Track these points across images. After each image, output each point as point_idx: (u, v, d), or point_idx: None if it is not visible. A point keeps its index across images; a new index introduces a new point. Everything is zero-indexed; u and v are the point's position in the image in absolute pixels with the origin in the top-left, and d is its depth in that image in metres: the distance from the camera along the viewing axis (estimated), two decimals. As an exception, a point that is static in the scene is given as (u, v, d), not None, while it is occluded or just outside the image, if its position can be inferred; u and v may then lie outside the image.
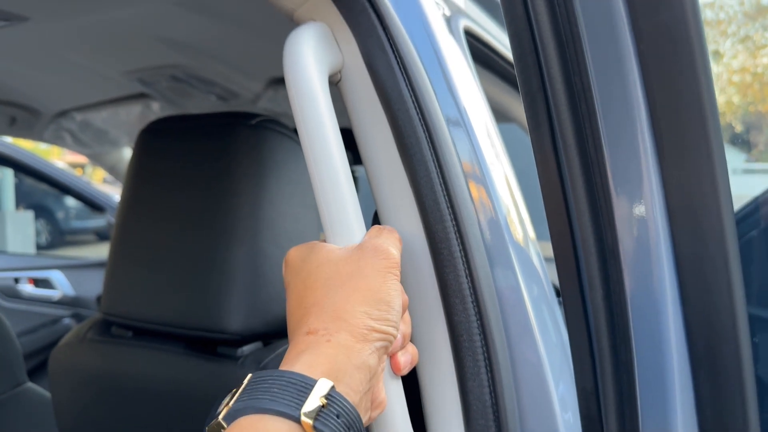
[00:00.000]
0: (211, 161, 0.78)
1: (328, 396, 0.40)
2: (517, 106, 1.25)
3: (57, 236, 8.22)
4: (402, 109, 0.52)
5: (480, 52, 0.92)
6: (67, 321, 2.38)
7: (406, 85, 0.52)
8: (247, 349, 0.76)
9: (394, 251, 0.47)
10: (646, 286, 0.39)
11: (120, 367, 0.83)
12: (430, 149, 0.52)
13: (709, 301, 0.38)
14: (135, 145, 0.86)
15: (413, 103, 0.52)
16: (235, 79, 1.40)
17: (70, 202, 8.38)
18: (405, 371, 0.48)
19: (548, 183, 0.41)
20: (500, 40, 0.97)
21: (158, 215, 0.81)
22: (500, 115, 1.22)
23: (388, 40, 0.52)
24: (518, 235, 0.60)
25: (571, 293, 0.42)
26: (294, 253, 0.50)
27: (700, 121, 0.37)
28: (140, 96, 1.57)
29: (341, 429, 0.39)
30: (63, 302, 2.40)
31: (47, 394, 1.30)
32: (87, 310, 2.38)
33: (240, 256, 0.74)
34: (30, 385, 1.33)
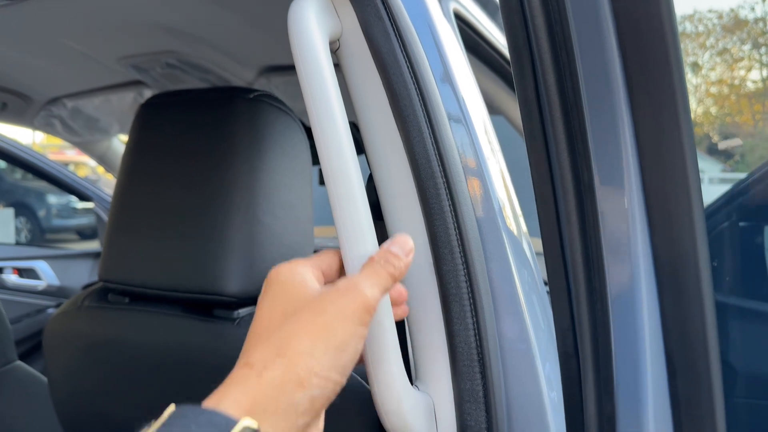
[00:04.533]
0: (209, 133, 0.81)
1: None
2: (503, 96, 1.30)
3: (38, 234, 8.13)
4: (397, 74, 0.56)
5: (467, 37, 0.96)
6: (51, 311, 2.37)
7: (401, 51, 0.56)
8: (243, 311, 0.79)
9: (370, 291, 0.44)
10: (618, 217, 0.43)
11: (117, 332, 0.85)
12: (423, 112, 0.56)
13: (674, 231, 0.43)
14: (135, 118, 0.89)
15: (408, 68, 0.56)
16: (228, 67, 1.43)
17: (52, 200, 8.29)
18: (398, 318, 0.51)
19: (531, 131, 0.46)
20: (486, 26, 1.02)
21: (156, 184, 0.83)
22: (487, 107, 1.27)
23: (385, 8, 0.56)
24: (507, 206, 0.64)
25: (550, 233, 0.46)
26: (274, 271, 0.47)
27: (667, 70, 0.41)
28: (133, 83, 1.59)
29: None
30: (48, 292, 2.40)
31: (37, 372, 1.32)
32: (72, 300, 2.38)
33: (236, 223, 0.77)
34: (19, 363, 1.34)
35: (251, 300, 0.79)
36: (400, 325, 0.59)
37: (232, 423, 0.37)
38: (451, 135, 0.57)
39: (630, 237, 0.43)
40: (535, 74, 0.45)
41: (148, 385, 0.83)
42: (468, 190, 0.57)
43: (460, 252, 0.55)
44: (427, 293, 0.57)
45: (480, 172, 0.61)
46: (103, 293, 0.90)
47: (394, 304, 0.52)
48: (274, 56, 1.39)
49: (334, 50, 0.60)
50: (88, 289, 0.93)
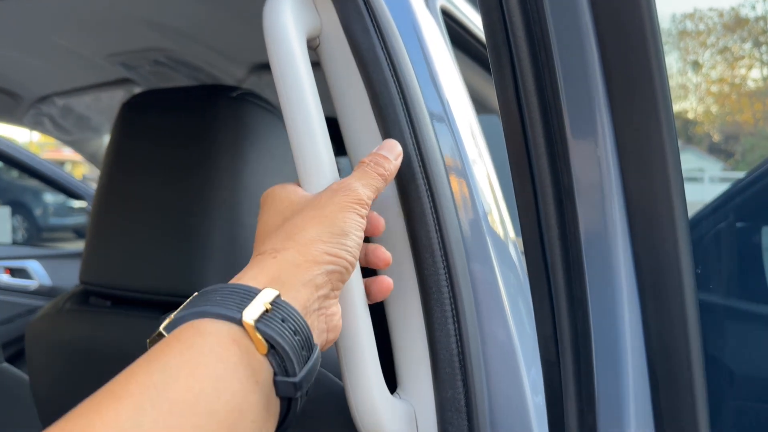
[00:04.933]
0: (191, 132, 0.80)
1: (273, 302, 0.39)
2: (492, 93, 1.28)
3: (34, 233, 8.11)
4: (377, 71, 0.54)
5: (456, 34, 0.94)
6: (43, 311, 2.35)
7: (382, 48, 0.55)
8: (224, 315, 0.77)
9: (362, 190, 0.48)
10: (599, 222, 0.42)
11: (98, 336, 0.83)
12: (404, 111, 0.54)
13: (655, 235, 0.41)
14: (116, 118, 0.87)
15: (388, 66, 0.54)
16: (218, 64, 1.41)
17: (49, 199, 8.27)
18: (377, 299, 0.50)
19: (511, 131, 0.44)
20: (477, 23, 1.00)
21: (138, 185, 0.82)
22: (476, 104, 1.25)
23: (365, 4, 0.55)
24: (491, 198, 0.62)
25: (531, 238, 0.45)
26: (268, 191, 0.51)
27: (647, 65, 0.40)
28: (123, 81, 1.58)
29: (287, 333, 0.39)
30: (40, 292, 2.38)
31: (23, 374, 1.30)
32: (64, 300, 2.36)
33: (218, 224, 0.76)
34: (6, 365, 1.32)
35: (233, 303, 0.77)
36: (384, 330, 0.58)
37: (255, 291, 0.40)
38: (433, 136, 0.56)
39: (610, 243, 0.42)
40: (514, 74, 0.43)
41: (129, 389, 0.81)
42: (451, 192, 0.56)
43: (441, 256, 0.53)
44: (408, 298, 0.55)
45: (464, 174, 0.59)
46: (85, 296, 0.88)
47: (375, 264, 0.50)
48: (265, 53, 1.37)
49: (314, 47, 0.58)
50: (69, 291, 0.91)
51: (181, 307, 0.41)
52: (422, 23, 0.62)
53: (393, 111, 0.54)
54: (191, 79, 1.47)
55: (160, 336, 0.39)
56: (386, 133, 0.55)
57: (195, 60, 1.38)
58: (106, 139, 2.18)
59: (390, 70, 0.54)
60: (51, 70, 1.54)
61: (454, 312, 0.52)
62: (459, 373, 0.52)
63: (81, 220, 8.19)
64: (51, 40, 1.29)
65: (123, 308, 0.83)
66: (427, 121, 0.55)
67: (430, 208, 0.53)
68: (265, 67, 1.45)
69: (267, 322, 0.39)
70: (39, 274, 2.40)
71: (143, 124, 0.83)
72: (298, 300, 0.42)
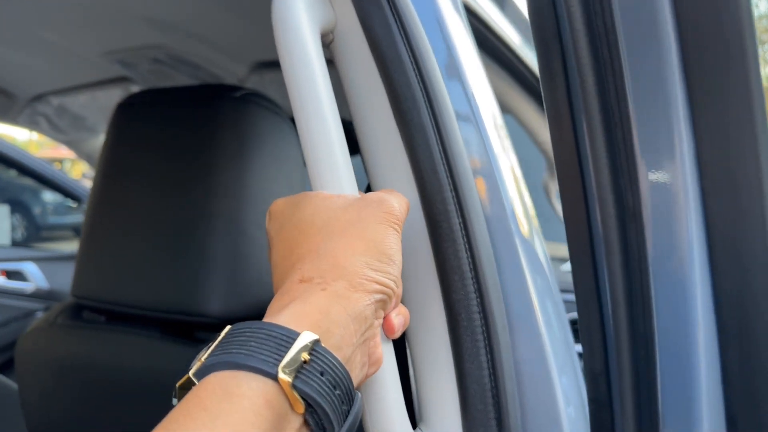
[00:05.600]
0: (191, 136, 0.74)
1: (312, 351, 0.35)
2: (512, 95, 1.22)
3: (33, 231, 8.05)
4: (399, 71, 0.48)
5: (474, 30, 0.88)
6: (40, 314, 2.30)
7: (405, 45, 0.49)
8: (226, 334, 0.71)
9: (398, 207, 0.44)
10: (671, 252, 0.36)
11: (92, 353, 0.78)
12: (429, 114, 0.48)
13: (743, 270, 0.35)
14: (111, 119, 0.81)
15: (412, 64, 0.49)
16: (219, 63, 1.35)
17: (48, 197, 8.21)
18: (398, 334, 0.45)
19: (561, 139, 0.38)
20: (495, 19, 0.94)
21: (134, 194, 0.76)
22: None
23: (386, -5, 0.49)
24: (522, 214, 0.56)
25: (582, 262, 0.39)
26: (282, 202, 0.46)
27: (741, 66, 0.33)
28: (120, 80, 1.52)
29: (325, 388, 0.35)
30: (37, 295, 2.32)
31: (11, 383, 1.25)
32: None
33: (221, 237, 0.70)
34: (-3, 376, 1.27)
35: (236, 321, 0.71)
36: (402, 358, 0.52)
37: (293, 336, 0.35)
38: (460, 140, 0.50)
39: (685, 274, 0.36)
40: (566, 73, 0.37)
41: (123, 411, 0.76)
42: (480, 204, 0.50)
43: (472, 278, 0.47)
44: (433, 325, 0.49)
45: (493, 181, 0.53)
46: (78, 310, 0.83)
47: (395, 329, 0.45)
48: (267, 51, 1.31)
49: (328, 44, 0.53)
50: (61, 304, 0.86)
51: (212, 348, 0.37)
52: (445, 13, 0.56)
53: (417, 114, 0.48)
54: (191, 77, 1.41)
55: (189, 383, 0.35)
56: (409, 137, 0.49)
57: (195, 58, 1.33)
58: (103, 138, 2.12)
59: (413, 68, 0.48)
60: (44, 68, 1.49)
61: (486, 342, 0.47)
62: (492, 410, 0.46)
63: (80, 219, 8.13)
64: (44, 37, 1.23)
65: (119, 324, 0.78)
66: (455, 124, 0.49)
67: (459, 224, 0.47)
68: (267, 66, 1.39)
69: (305, 378, 0.35)
70: (36, 277, 2.34)
71: (139, 127, 0.78)
72: (344, 339, 0.38)
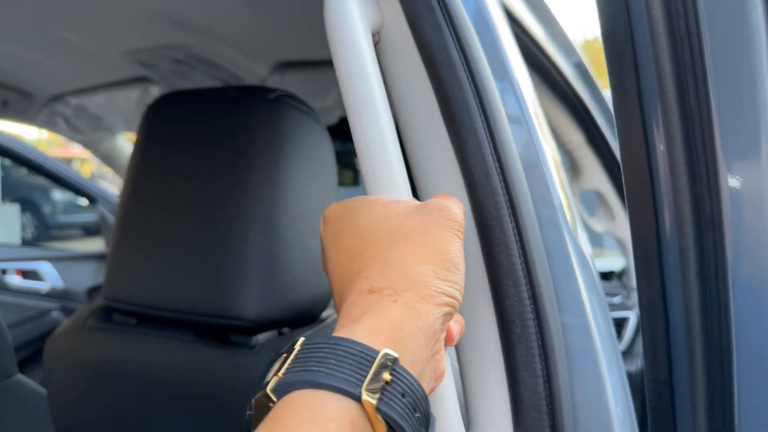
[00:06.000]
0: (225, 138, 0.73)
1: (393, 372, 0.34)
2: (538, 94, 1.21)
3: (43, 231, 8.09)
4: (449, 72, 0.47)
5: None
6: (55, 314, 2.31)
7: (455, 46, 0.48)
8: (262, 337, 0.71)
9: (460, 213, 0.43)
10: (753, 260, 0.35)
11: (122, 356, 0.77)
12: (481, 116, 0.48)
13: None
14: (141, 121, 0.80)
15: (463, 65, 0.48)
16: (239, 62, 1.35)
17: (57, 196, 8.25)
18: (456, 342, 0.44)
19: (630, 144, 0.37)
20: (524, 15, 0.93)
21: (167, 195, 0.75)
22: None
23: (436, -5, 0.48)
24: (570, 217, 0.55)
25: (648, 269, 0.38)
26: (339, 207, 0.44)
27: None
28: (139, 80, 1.52)
29: (407, 410, 0.34)
30: (52, 295, 2.33)
31: (37, 386, 1.25)
32: (76, 303, 2.32)
33: (256, 239, 0.69)
34: (20, 376, 1.27)
35: (270, 324, 0.71)
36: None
37: (373, 354, 0.34)
38: (513, 143, 0.49)
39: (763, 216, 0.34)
40: (638, 76, 0.36)
41: (156, 415, 0.75)
42: (533, 206, 0.49)
43: (526, 284, 0.46)
44: (483, 331, 0.48)
45: (544, 185, 0.52)
46: (108, 312, 0.82)
47: (453, 339, 0.44)
48: (289, 51, 1.31)
49: (374, 44, 0.52)
50: (91, 306, 0.85)
51: (289, 362, 0.35)
52: (492, 11, 0.55)
53: (468, 116, 0.47)
54: (211, 77, 1.40)
55: (267, 399, 0.34)
56: (459, 140, 0.48)
57: (216, 58, 1.32)
58: (120, 139, 2.12)
59: (465, 70, 0.47)
60: (63, 68, 1.49)
61: (541, 349, 0.46)
62: (547, 419, 0.45)
63: (90, 218, 8.16)
64: (65, 38, 1.23)
65: (150, 327, 0.77)
66: (506, 126, 0.49)
67: (513, 228, 0.47)
68: (288, 66, 1.38)
69: (387, 400, 0.33)
70: (51, 276, 2.35)
71: (172, 128, 0.77)
72: (416, 355, 0.37)
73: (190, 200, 0.73)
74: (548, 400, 0.46)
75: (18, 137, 2.46)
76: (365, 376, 0.33)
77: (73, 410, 0.85)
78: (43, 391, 1.22)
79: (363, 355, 0.34)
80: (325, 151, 0.77)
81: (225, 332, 0.72)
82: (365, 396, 0.33)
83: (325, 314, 0.81)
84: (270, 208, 0.70)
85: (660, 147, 0.36)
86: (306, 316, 0.74)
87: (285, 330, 0.76)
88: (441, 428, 0.44)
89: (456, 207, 0.43)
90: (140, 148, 0.79)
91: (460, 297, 0.40)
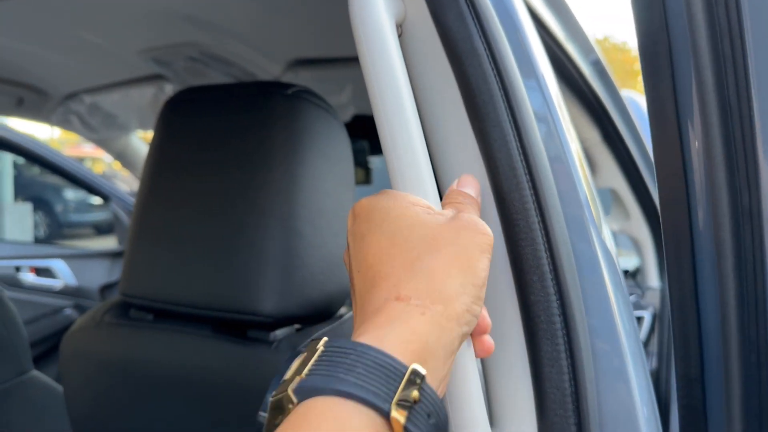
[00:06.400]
0: (243, 134, 0.73)
1: (421, 389, 0.33)
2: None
3: (55, 229, 8.15)
4: (474, 65, 0.47)
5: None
6: (68, 311, 2.32)
7: (480, 38, 0.47)
8: (280, 333, 0.70)
9: (490, 231, 0.42)
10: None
11: (140, 351, 0.77)
12: (506, 109, 0.47)
13: None
14: (158, 117, 0.80)
15: (488, 57, 0.47)
16: (254, 60, 1.35)
17: (69, 195, 8.31)
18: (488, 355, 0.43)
19: (664, 138, 0.36)
20: (541, 10, 0.92)
21: (184, 191, 0.75)
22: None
23: (461, -13, 0.47)
24: (596, 214, 0.55)
25: (680, 264, 0.37)
26: (369, 204, 0.42)
27: None
28: (154, 78, 1.52)
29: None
30: (65, 292, 2.34)
31: (53, 382, 1.25)
32: (89, 300, 2.33)
33: (274, 234, 0.69)
34: (36, 373, 1.27)
35: (289, 320, 0.71)
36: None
37: (402, 369, 0.33)
38: (539, 136, 0.48)
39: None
40: (672, 68, 0.35)
41: (173, 410, 0.75)
42: (559, 202, 0.48)
43: (552, 279, 0.45)
44: (507, 326, 0.48)
45: (570, 178, 0.51)
46: (125, 308, 0.82)
47: (478, 333, 0.43)
48: (303, 48, 1.30)
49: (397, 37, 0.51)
50: (107, 302, 0.85)
51: (312, 362, 0.34)
52: (517, 6, 0.54)
53: (493, 110, 0.47)
54: (225, 75, 1.41)
55: (287, 400, 0.33)
56: (484, 133, 0.47)
57: (230, 55, 1.32)
58: (134, 137, 2.13)
59: (490, 63, 0.47)
60: (78, 67, 1.49)
61: (567, 345, 0.45)
62: (573, 416, 0.45)
63: (102, 216, 8.22)
64: (81, 36, 1.23)
65: (167, 322, 0.77)
66: (532, 119, 0.48)
67: (539, 223, 0.46)
68: (302, 64, 1.38)
69: (415, 420, 0.32)
70: (64, 274, 2.37)
71: (190, 124, 0.77)
72: (436, 373, 0.36)
73: (208, 196, 0.73)
74: (574, 397, 0.45)
75: (31, 137, 2.47)
76: (394, 391, 0.32)
77: (89, 405, 0.85)
78: (59, 387, 1.22)
79: (392, 368, 0.33)
80: (342, 147, 0.77)
81: (243, 328, 0.72)
82: (394, 413, 0.32)
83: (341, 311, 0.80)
84: (288, 203, 0.70)
85: (695, 140, 0.35)
86: (323, 312, 0.74)
87: (297, 326, 0.75)
88: (466, 425, 0.44)
89: (485, 224, 0.42)
90: (157, 143, 0.79)
91: (479, 313, 0.39)
